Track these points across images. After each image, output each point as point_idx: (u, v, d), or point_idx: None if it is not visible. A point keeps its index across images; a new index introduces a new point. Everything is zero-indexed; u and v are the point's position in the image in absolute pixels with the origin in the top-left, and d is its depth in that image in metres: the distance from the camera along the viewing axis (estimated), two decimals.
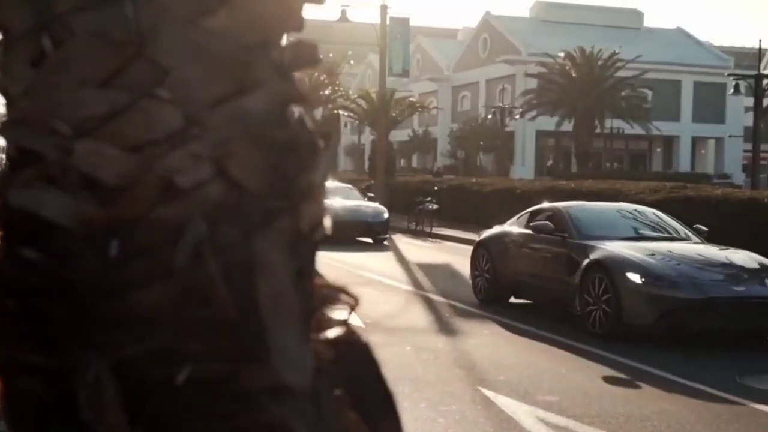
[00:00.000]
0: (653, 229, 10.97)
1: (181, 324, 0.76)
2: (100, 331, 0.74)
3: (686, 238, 10.65)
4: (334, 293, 0.91)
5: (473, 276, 11.72)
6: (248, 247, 0.78)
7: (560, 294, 9.83)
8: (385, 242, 20.11)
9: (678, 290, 8.75)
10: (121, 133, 0.77)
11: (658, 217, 11.44)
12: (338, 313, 0.90)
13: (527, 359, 7.54)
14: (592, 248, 9.64)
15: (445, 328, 9.01)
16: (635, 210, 11.86)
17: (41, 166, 0.74)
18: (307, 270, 0.85)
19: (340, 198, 21.03)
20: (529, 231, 10.87)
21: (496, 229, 11.98)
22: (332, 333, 0.89)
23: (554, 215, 10.76)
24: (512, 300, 11.10)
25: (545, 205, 11.98)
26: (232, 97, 0.80)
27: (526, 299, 10.89)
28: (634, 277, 8.95)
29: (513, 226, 11.55)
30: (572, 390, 6.49)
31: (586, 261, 9.49)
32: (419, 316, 9.71)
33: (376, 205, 21.54)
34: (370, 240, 19.93)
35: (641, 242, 10.08)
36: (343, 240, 18.48)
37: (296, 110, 0.86)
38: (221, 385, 0.77)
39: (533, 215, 11.31)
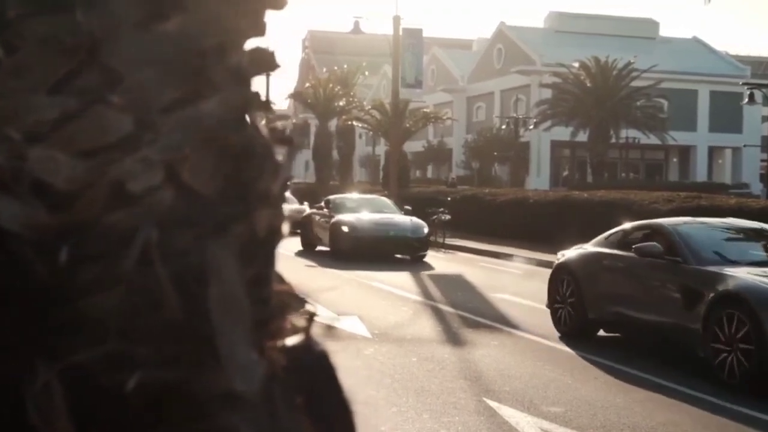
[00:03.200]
0: None
1: (131, 330, 0.76)
2: (49, 337, 0.74)
3: None
4: (294, 301, 0.91)
5: (553, 305, 10.18)
6: (200, 253, 0.78)
7: (675, 332, 8.40)
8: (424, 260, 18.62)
9: None
10: (73, 138, 0.77)
11: None
12: (298, 320, 0.90)
13: (533, 370, 7.50)
14: (719, 276, 8.11)
15: (452, 338, 8.97)
16: (757, 227, 9.99)
17: None
18: (263, 276, 0.84)
19: (375, 211, 19.89)
20: (626, 253, 9.38)
21: (581, 250, 10.40)
22: (289, 340, 0.89)
23: (658, 234, 9.27)
24: (601, 333, 9.82)
25: (643, 222, 10.51)
26: (187, 102, 0.80)
27: (624, 334, 9.71)
28: None
29: (601, 247, 10.09)
30: (578, 401, 6.45)
31: (712, 293, 7.97)
32: (427, 327, 9.68)
33: (414, 218, 20.06)
34: (407, 257, 18.56)
35: None
36: (379, 257, 17.48)
37: (253, 116, 0.86)
38: (172, 391, 0.76)
39: (627, 234, 9.90)
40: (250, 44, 0.90)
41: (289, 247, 19.64)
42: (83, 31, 0.75)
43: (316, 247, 20.23)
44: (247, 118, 0.86)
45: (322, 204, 21.32)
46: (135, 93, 0.77)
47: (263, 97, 0.91)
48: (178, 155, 0.78)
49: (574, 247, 10.68)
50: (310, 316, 0.91)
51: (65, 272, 0.73)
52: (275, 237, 0.86)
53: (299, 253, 19.48)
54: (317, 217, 20.58)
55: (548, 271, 16.94)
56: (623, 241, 9.76)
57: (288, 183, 0.90)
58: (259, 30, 0.89)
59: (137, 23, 0.78)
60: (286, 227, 0.88)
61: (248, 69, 0.87)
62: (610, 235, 10.19)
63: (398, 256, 18.66)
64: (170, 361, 0.74)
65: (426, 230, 19.24)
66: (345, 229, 18.77)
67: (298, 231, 22.45)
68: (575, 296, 9.75)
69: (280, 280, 0.91)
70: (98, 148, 0.74)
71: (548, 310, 11.25)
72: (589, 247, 10.30)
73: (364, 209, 20.12)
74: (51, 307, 0.73)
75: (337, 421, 0.96)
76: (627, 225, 10.29)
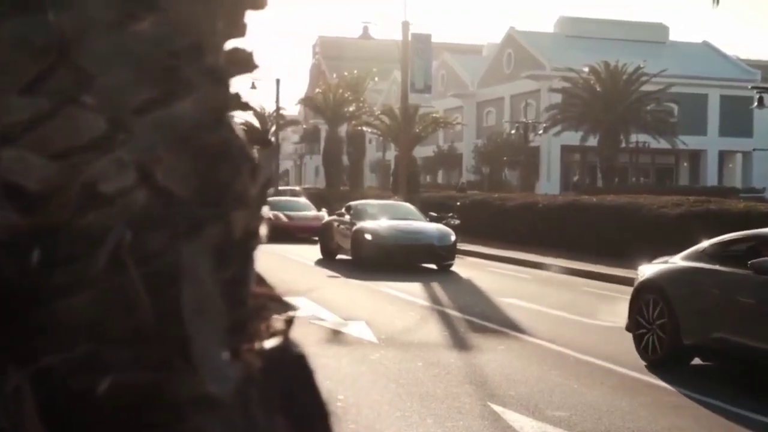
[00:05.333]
0: None
1: (103, 332, 0.75)
2: (20, 340, 0.73)
3: None
4: (273, 303, 0.90)
5: (636, 329, 8.58)
6: (174, 254, 0.78)
7: None
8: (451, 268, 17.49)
9: None
10: (46, 139, 0.77)
11: None
12: (277, 322, 0.89)
13: (539, 374, 7.47)
14: None
15: (459, 343, 8.94)
16: None
17: None
18: (240, 279, 0.84)
19: (398, 218, 18.84)
20: (734, 269, 7.93)
21: (669, 266, 8.81)
22: (266, 343, 0.88)
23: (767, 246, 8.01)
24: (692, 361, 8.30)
25: (748, 232, 8.96)
26: (161, 103, 0.80)
27: (728, 364, 8.22)
28: None
29: (697, 261, 8.50)
30: (583, 405, 6.43)
31: None
32: (434, 332, 9.64)
33: (440, 225, 18.95)
34: (434, 266, 17.44)
35: None
36: (403, 267, 16.57)
37: (229, 116, 0.86)
38: (145, 394, 0.76)
39: (726, 246, 8.50)
40: (233, 45, 0.89)
41: (307, 255, 19.38)
42: (55, 32, 0.75)
43: (336, 255, 19.26)
44: (225, 119, 0.86)
45: (343, 210, 20.20)
46: (108, 93, 0.76)
47: (243, 98, 0.91)
48: (152, 156, 0.77)
49: (657, 261, 9.17)
50: (290, 319, 0.90)
51: (37, 274, 0.72)
52: (252, 239, 0.85)
53: (319, 262, 18.81)
54: (338, 224, 19.55)
55: (558, 277, 16.99)
56: (723, 254, 8.36)
57: (269, 185, 0.90)
58: (239, 31, 0.89)
59: (110, 24, 0.78)
60: (264, 229, 0.87)
61: (226, 69, 0.87)
62: (707, 247, 8.66)
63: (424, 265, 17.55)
64: (143, 363, 0.74)
65: (453, 238, 17.86)
66: (368, 236, 17.61)
67: (316, 238, 22.13)
68: (666, 319, 8.25)
69: (260, 281, 0.90)
70: (71, 149, 0.74)
71: (558, 315, 11.20)
72: (680, 262, 8.75)
73: (387, 216, 19.01)
74: (23, 310, 0.72)
75: (314, 423, 0.95)
76: (728, 236, 8.84)
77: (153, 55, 0.80)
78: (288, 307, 0.90)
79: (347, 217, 19.19)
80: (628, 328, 8.83)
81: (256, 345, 0.85)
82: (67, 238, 0.75)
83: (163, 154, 0.79)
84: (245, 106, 0.89)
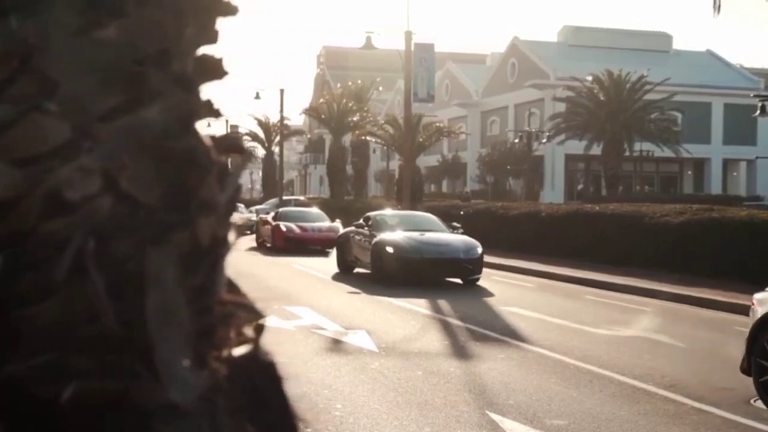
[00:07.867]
0: None
1: (67, 340, 0.75)
2: None
3: None
4: (242, 310, 0.90)
5: (759, 372, 6.94)
6: (139, 261, 0.77)
7: None
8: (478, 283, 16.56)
9: None
10: (9, 146, 0.76)
11: None
12: (246, 330, 0.89)
13: (539, 383, 7.43)
14: None
15: (459, 352, 8.90)
16: None
17: None
18: (207, 286, 0.83)
19: (421, 230, 17.83)
20: None
21: None
22: (235, 350, 0.87)
23: None
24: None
25: None
26: (127, 110, 0.79)
27: None
28: None
29: None
30: (582, 413, 6.40)
31: None
32: (435, 341, 9.61)
33: (466, 237, 17.77)
34: (459, 280, 16.48)
35: None
36: (426, 281, 15.81)
37: (197, 123, 0.85)
38: (109, 402, 0.75)
39: None
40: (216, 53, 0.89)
41: (324, 268, 19.04)
42: (17, 38, 0.74)
43: (354, 269, 18.26)
44: (193, 126, 0.85)
45: (362, 221, 18.92)
46: (72, 100, 0.76)
47: (214, 105, 0.91)
48: (118, 163, 0.77)
49: None
50: (259, 327, 0.90)
51: (1, 282, 0.72)
52: (221, 245, 0.85)
53: (336, 277, 17.82)
54: (356, 236, 18.42)
55: (561, 285, 16.92)
56: None
57: (238, 192, 0.89)
58: (211, 37, 0.88)
59: (74, 30, 0.77)
60: (232, 236, 0.87)
61: (194, 76, 0.86)
62: None
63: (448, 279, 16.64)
64: (107, 371, 0.73)
65: (479, 250, 16.72)
66: (389, 249, 16.47)
67: (328, 250, 21.81)
68: None
69: (232, 289, 0.90)
70: (35, 156, 0.74)
71: (560, 323, 11.12)
72: None
73: (408, 227, 17.86)
74: None
75: (282, 431, 0.95)
76: None
77: (118, 61, 0.80)
78: (258, 314, 0.90)
79: (366, 229, 18.12)
80: (744, 370, 7.19)
81: (224, 353, 0.85)
82: (32, 246, 0.74)
83: (128, 161, 0.79)
84: (216, 113, 0.88)
